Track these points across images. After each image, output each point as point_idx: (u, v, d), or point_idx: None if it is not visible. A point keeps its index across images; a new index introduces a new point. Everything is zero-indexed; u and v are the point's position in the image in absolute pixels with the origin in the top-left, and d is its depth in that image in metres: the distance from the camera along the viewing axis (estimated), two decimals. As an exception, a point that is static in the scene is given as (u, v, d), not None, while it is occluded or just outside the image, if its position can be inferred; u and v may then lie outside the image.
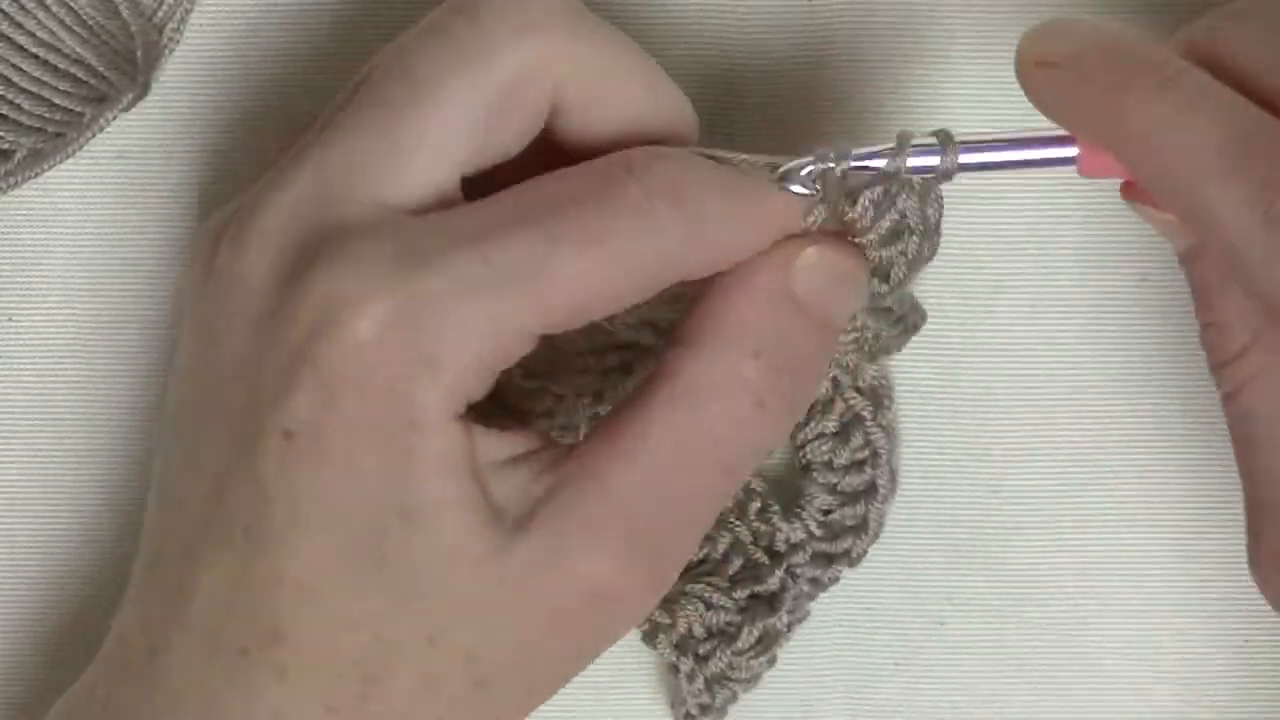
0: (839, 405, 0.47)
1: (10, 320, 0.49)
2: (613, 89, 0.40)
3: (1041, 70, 0.38)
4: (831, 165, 0.40)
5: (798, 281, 0.40)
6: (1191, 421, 0.48)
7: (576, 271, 0.37)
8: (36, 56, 0.47)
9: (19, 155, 0.48)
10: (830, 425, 0.47)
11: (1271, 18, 0.38)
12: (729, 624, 0.46)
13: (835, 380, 0.47)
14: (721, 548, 0.47)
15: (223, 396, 0.38)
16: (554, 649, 0.39)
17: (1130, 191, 0.40)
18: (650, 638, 0.47)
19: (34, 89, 0.47)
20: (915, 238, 0.41)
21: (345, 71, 0.48)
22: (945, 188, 0.41)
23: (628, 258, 0.38)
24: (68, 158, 0.48)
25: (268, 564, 0.37)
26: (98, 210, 0.49)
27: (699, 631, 0.46)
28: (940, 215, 0.41)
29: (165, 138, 0.49)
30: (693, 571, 0.47)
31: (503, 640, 0.38)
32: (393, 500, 0.37)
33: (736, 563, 0.47)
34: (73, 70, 0.47)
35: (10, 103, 0.47)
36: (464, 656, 0.38)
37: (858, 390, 0.47)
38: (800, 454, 0.47)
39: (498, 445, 0.38)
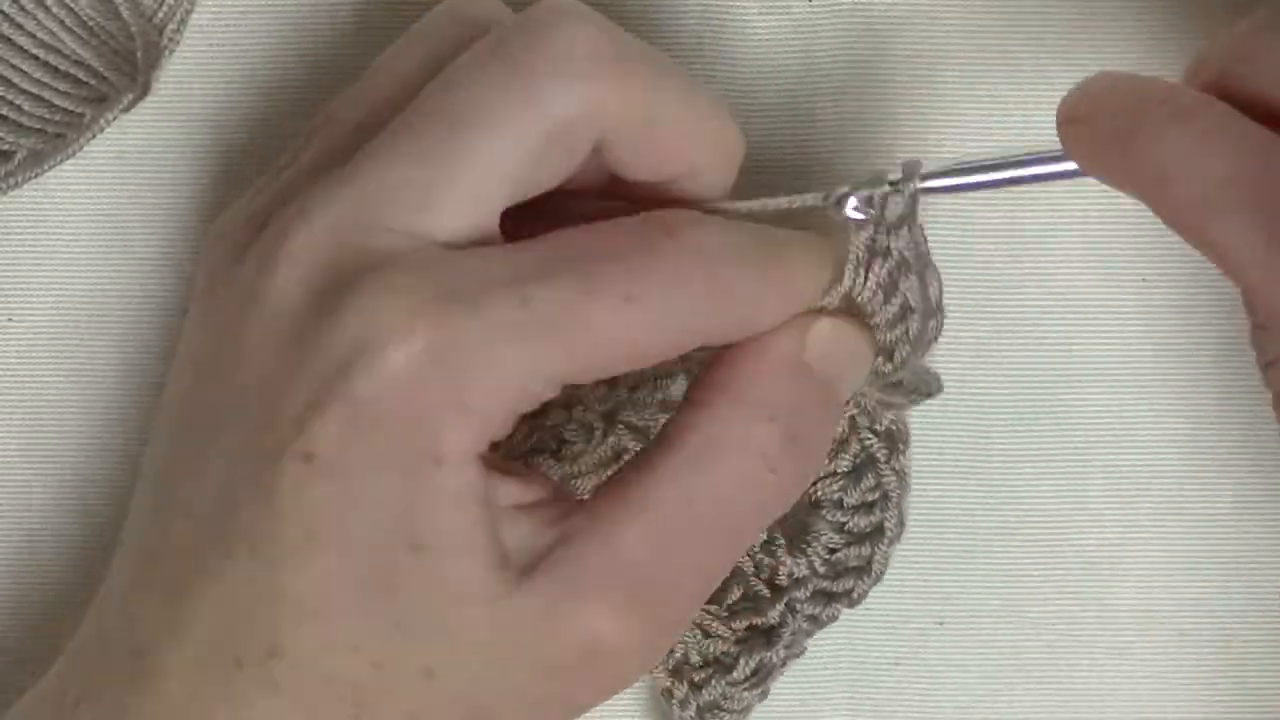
0: (854, 445, 0.47)
1: (10, 320, 0.49)
2: (658, 132, 0.40)
3: (1071, 127, 0.38)
4: (890, 188, 0.40)
5: (812, 349, 0.40)
6: (1192, 422, 0.48)
7: (610, 326, 0.38)
8: (36, 57, 0.47)
9: (19, 156, 0.48)
10: (844, 464, 0.47)
11: None
12: (725, 654, 0.46)
13: (853, 420, 0.47)
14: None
15: (240, 409, 0.38)
16: (547, 699, 0.39)
17: None
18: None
19: (34, 90, 0.47)
20: (916, 317, 0.41)
21: (345, 72, 0.48)
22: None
23: (660, 318, 0.38)
24: (68, 158, 0.48)
25: (272, 580, 0.37)
26: (98, 210, 0.49)
27: (695, 659, 0.47)
28: (941, 293, 0.41)
29: (165, 138, 0.49)
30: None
31: (497, 684, 0.38)
32: (406, 532, 0.37)
33: (737, 593, 0.47)
34: (73, 71, 0.47)
35: (10, 104, 0.47)
36: (458, 694, 0.38)
37: (874, 432, 0.47)
38: (811, 490, 0.47)
39: (512, 490, 0.38)
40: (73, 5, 0.47)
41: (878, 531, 0.47)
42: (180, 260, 0.48)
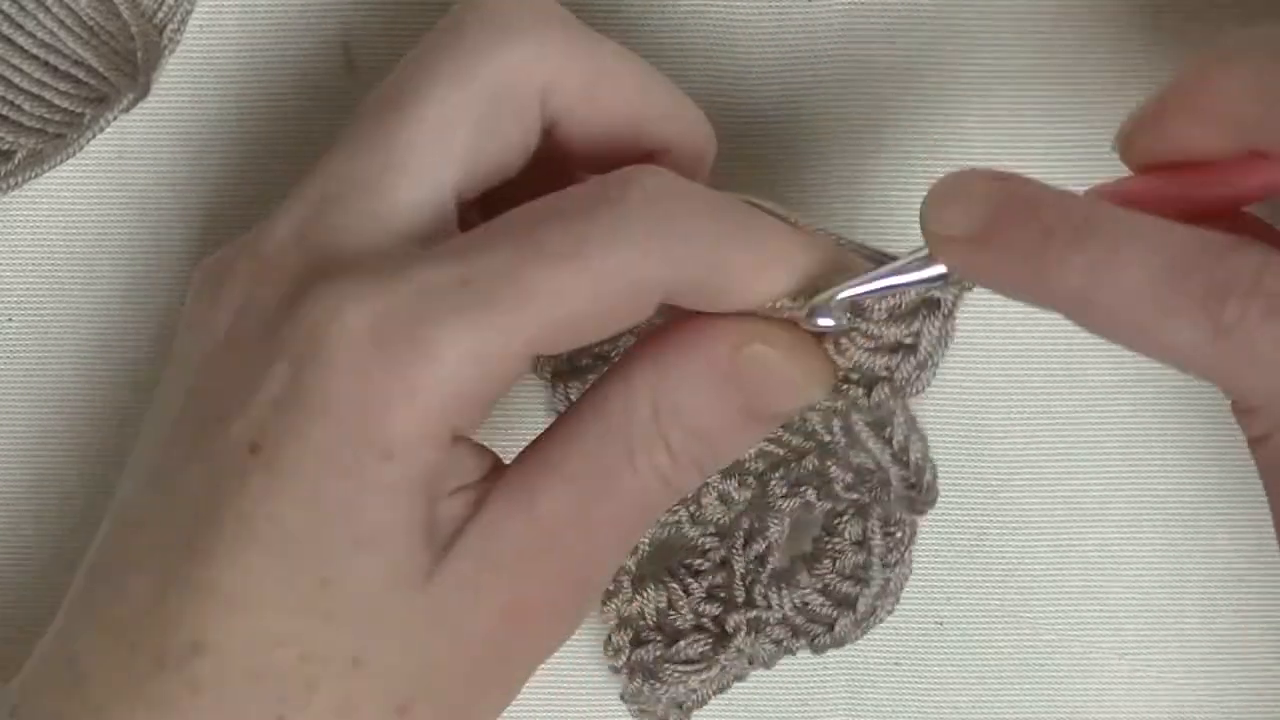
0: (859, 525, 0.47)
1: (10, 320, 0.49)
2: (605, 91, 0.40)
3: (953, 246, 0.37)
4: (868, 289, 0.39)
5: (749, 353, 0.39)
6: (1193, 421, 0.48)
7: (553, 286, 0.37)
8: (36, 57, 0.47)
9: (19, 156, 0.48)
10: (853, 533, 0.47)
11: (1261, 62, 0.37)
12: (677, 629, 0.46)
13: (870, 498, 0.47)
14: (718, 556, 0.47)
15: (198, 411, 0.38)
16: (477, 674, 0.39)
17: None
18: (608, 597, 0.46)
19: (34, 90, 0.47)
20: (912, 361, 0.41)
21: (345, 72, 0.48)
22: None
23: (604, 270, 0.37)
24: (68, 158, 0.48)
25: (203, 574, 0.37)
26: (98, 210, 0.49)
27: (649, 618, 0.46)
28: (944, 351, 0.41)
29: (165, 138, 0.49)
30: (681, 560, 0.47)
31: (426, 664, 0.38)
32: (349, 527, 0.37)
33: (718, 578, 0.47)
34: (73, 71, 0.47)
35: (11, 103, 0.47)
36: (387, 680, 0.38)
37: (881, 523, 0.47)
38: (816, 538, 0.47)
39: (460, 471, 0.38)
40: (73, 5, 0.47)
41: (850, 602, 0.47)
42: (179, 260, 0.48)
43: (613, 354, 0.45)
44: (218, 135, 0.49)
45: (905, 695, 0.48)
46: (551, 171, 0.41)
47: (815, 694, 0.48)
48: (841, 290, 0.39)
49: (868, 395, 0.41)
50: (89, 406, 0.49)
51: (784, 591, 0.47)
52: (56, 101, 0.48)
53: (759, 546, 0.47)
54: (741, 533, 0.47)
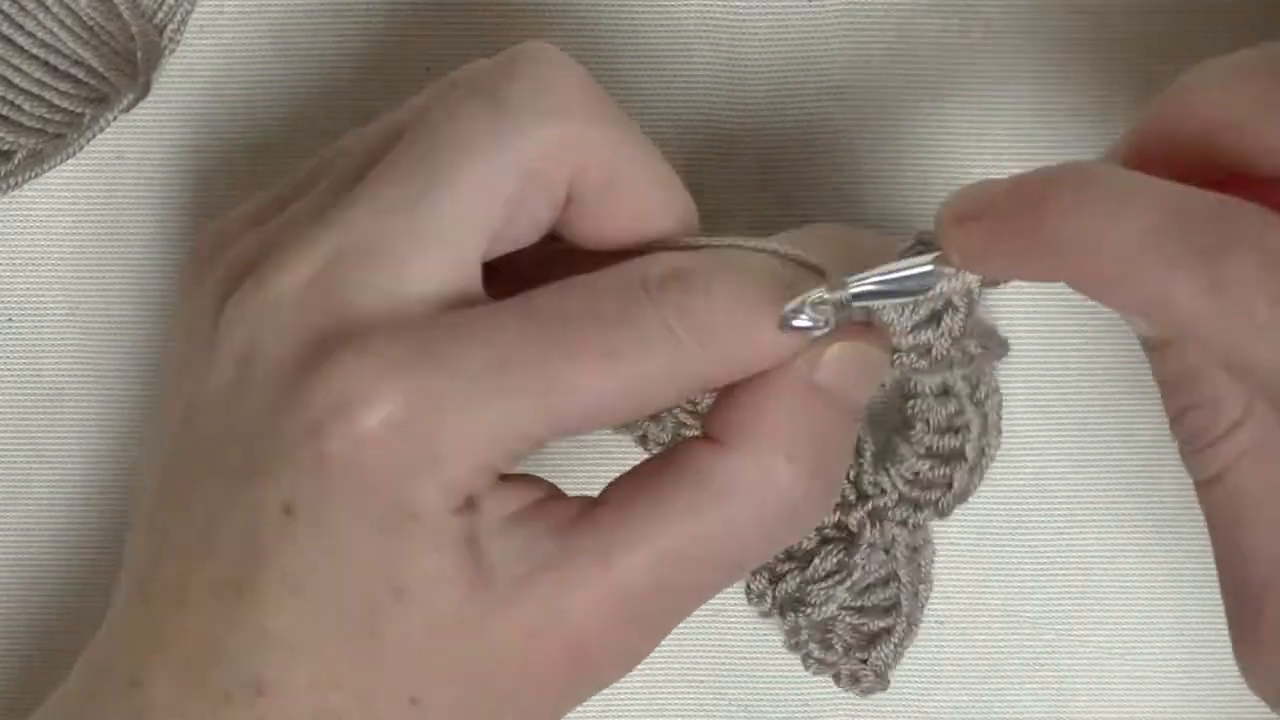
0: (938, 375, 0.46)
1: (10, 321, 0.49)
2: (626, 178, 0.40)
3: (959, 225, 0.37)
4: (837, 296, 0.39)
5: (822, 371, 0.39)
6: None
7: (589, 386, 0.38)
8: (36, 57, 0.47)
9: (19, 156, 0.48)
10: (933, 386, 0.46)
11: (1242, 80, 0.37)
12: (808, 551, 0.47)
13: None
14: None
15: (222, 457, 0.38)
16: (532, 708, 0.39)
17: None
18: None
19: (34, 90, 0.47)
20: (958, 317, 0.40)
21: (345, 73, 0.48)
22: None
23: (642, 375, 0.38)
24: (68, 158, 0.48)
25: (256, 621, 0.37)
26: (98, 210, 0.49)
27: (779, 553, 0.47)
28: (980, 290, 0.40)
29: (165, 138, 0.49)
30: None
31: (483, 700, 0.38)
32: (385, 580, 0.37)
33: None
34: (73, 71, 0.47)
35: (10, 104, 0.47)
36: (447, 715, 0.38)
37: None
38: (902, 407, 0.47)
39: (505, 498, 0.38)
40: (73, 5, 0.47)
41: (958, 455, 0.47)
42: (179, 260, 0.48)
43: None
44: (218, 135, 0.49)
45: (905, 695, 0.48)
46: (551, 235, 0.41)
47: (816, 694, 0.48)
48: (843, 290, 0.39)
49: (926, 355, 0.41)
50: (89, 406, 0.49)
51: (891, 470, 0.47)
52: (56, 101, 0.48)
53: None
54: None
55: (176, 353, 0.41)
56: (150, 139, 0.48)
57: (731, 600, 0.48)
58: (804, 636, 0.47)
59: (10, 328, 0.49)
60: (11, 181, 0.48)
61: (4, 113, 0.47)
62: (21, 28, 0.47)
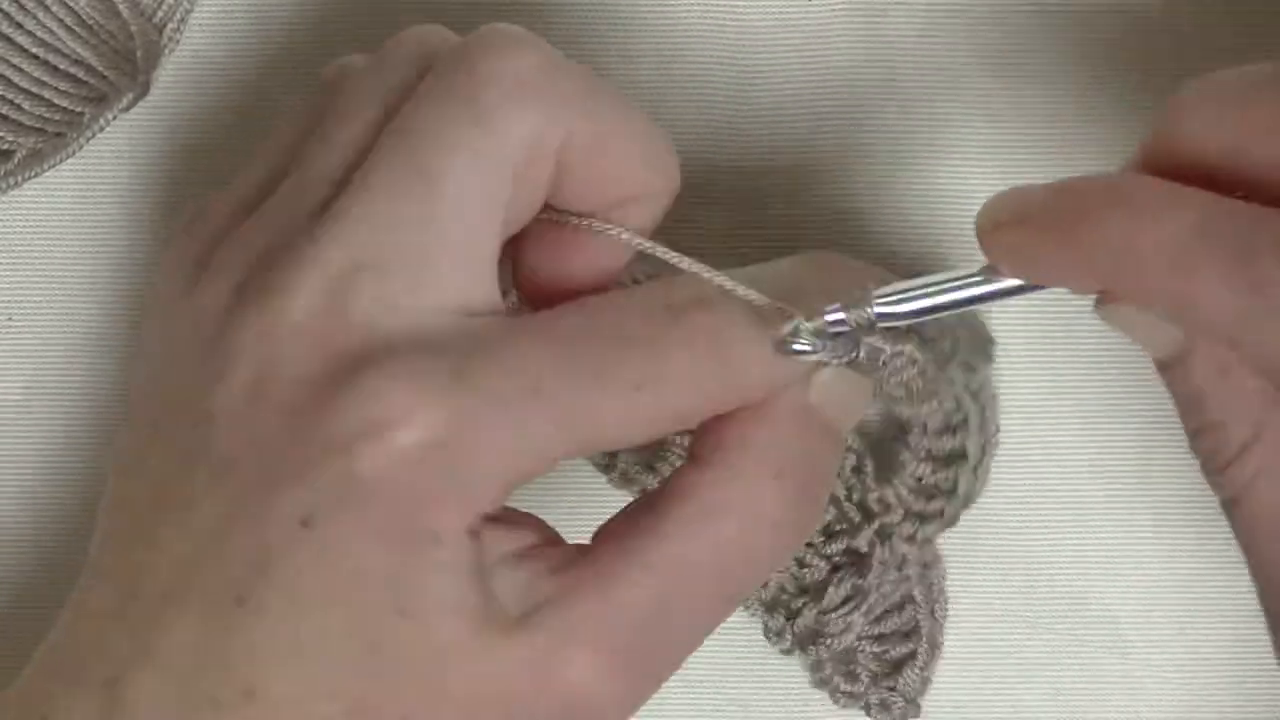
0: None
1: (10, 320, 0.49)
2: (608, 142, 0.40)
3: (999, 231, 0.38)
4: (856, 315, 0.39)
5: (814, 394, 0.40)
6: (1191, 421, 0.48)
7: (618, 414, 0.38)
8: (36, 57, 0.47)
9: (19, 155, 0.48)
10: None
11: (1221, 99, 0.37)
12: (818, 582, 0.47)
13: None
14: None
15: (233, 464, 0.38)
16: None
17: (1103, 305, 0.39)
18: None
19: (34, 89, 0.47)
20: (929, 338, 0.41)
21: (345, 71, 0.48)
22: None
23: (668, 402, 0.38)
24: (68, 158, 0.48)
25: (255, 631, 0.37)
26: (98, 210, 0.49)
27: (790, 589, 0.47)
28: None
29: (165, 138, 0.49)
30: None
31: None
32: (393, 598, 0.37)
33: (830, 514, 0.47)
34: (73, 70, 0.47)
35: (10, 103, 0.47)
36: None
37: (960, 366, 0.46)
38: (897, 414, 0.47)
39: (505, 538, 0.38)
40: (73, 5, 0.47)
41: (959, 454, 0.47)
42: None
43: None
44: (218, 135, 0.49)
45: (905, 695, 0.49)
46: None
47: (816, 694, 0.48)
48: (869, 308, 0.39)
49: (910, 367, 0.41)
50: (89, 406, 0.49)
51: (894, 483, 0.47)
52: (56, 101, 0.48)
53: (850, 462, 0.47)
54: None
55: (160, 359, 0.41)
56: (150, 139, 0.49)
57: (732, 600, 0.48)
58: (828, 671, 0.47)
59: (10, 327, 0.49)
60: (11, 181, 0.48)
61: (4, 112, 0.47)
62: (21, 27, 0.47)
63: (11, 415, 0.49)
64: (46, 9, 0.47)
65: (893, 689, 0.47)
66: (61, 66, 0.47)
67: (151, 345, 0.41)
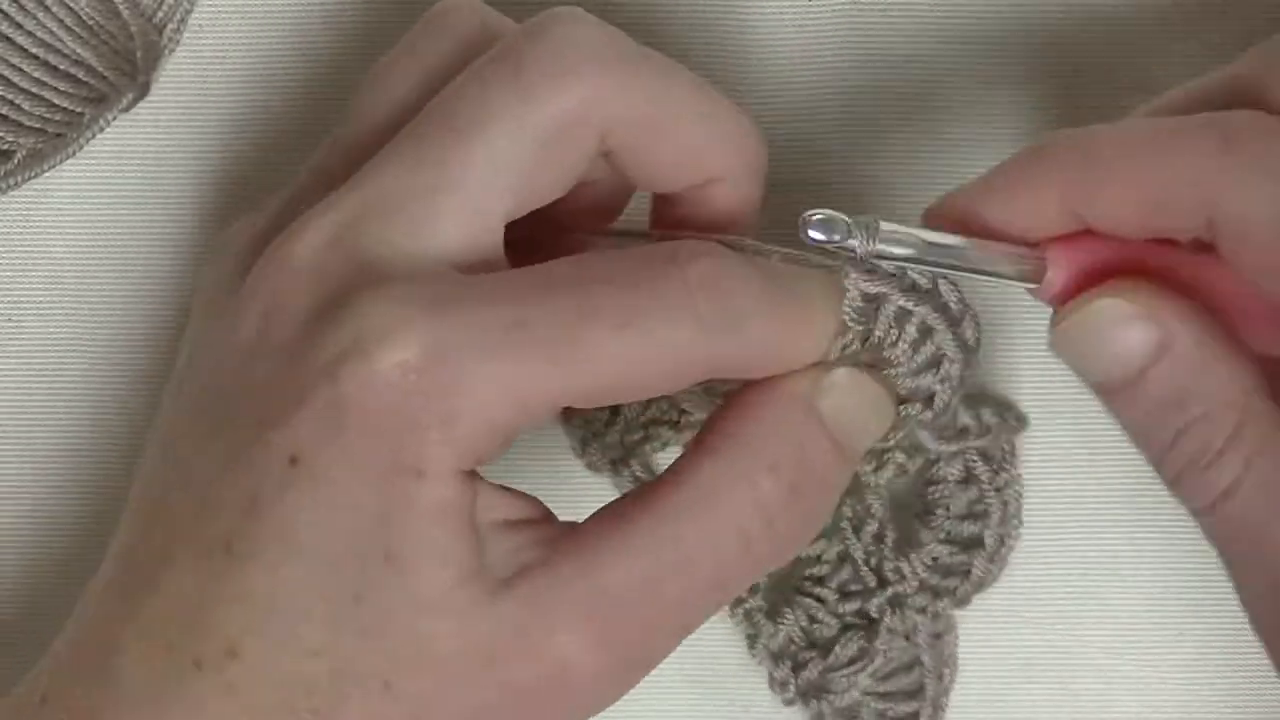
0: (960, 461, 0.47)
1: (10, 320, 0.49)
2: (666, 125, 0.40)
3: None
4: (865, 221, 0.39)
5: (824, 399, 0.39)
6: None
7: (606, 350, 0.37)
8: (36, 57, 0.47)
9: (19, 155, 0.48)
10: (954, 473, 0.47)
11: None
12: (830, 639, 0.47)
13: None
14: (834, 553, 0.47)
15: (233, 416, 0.38)
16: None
17: (1060, 330, 0.40)
18: (752, 641, 0.47)
19: (34, 89, 0.47)
20: (955, 365, 0.41)
21: (345, 70, 0.48)
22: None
23: (659, 344, 0.38)
24: (68, 158, 0.48)
25: (241, 580, 0.37)
26: (98, 210, 0.49)
27: (799, 640, 0.47)
28: (979, 336, 0.41)
29: (165, 138, 0.49)
30: (802, 574, 0.47)
31: (455, 699, 0.38)
32: (381, 541, 0.37)
33: (845, 573, 0.47)
34: (73, 71, 0.47)
35: (10, 103, 0.47)
36: (414, 708, 0.38)
37: (979, 452, 0.47)
38: (924, 493, 0.47)
39: (500, 504, 0.38)
40: (73, 5, 0.47)
41: (977, 541, 0.47)
42: (179, 260, 0.48)
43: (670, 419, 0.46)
44: (218, 135, 0.49)
45: (905, 695, 0.49)
46: (599, 183, 0.41)
47: (815, 694, 0.48)
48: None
49: (930, 407, 0.41)
50: (89, 405, 0.49)
51: (911, 558, 0.47)
52: (56, 101, 0.48)
53: (871, 528, 0.47)
54: (847, 522, 0.47)
55: (192, 331, 0.41)
56: (150, 139, 0.49)
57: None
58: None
59: (10, 327, 0.49)
60: (11, 181, 0.48)
61: (4, 112, 0.47)
62: (21, 27, 0.47)
63: (11, 415, 0.49)
64: (46, 9, 0.47)
65: None
66: (61, 67, 0.48)
67: (195, 321, 0.42)
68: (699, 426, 0.41)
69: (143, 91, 0.48)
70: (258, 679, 0.37)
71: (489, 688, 0.38)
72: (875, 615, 0.47)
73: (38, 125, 0.48)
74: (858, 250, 0.39)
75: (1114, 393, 0.40)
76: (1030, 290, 0.40)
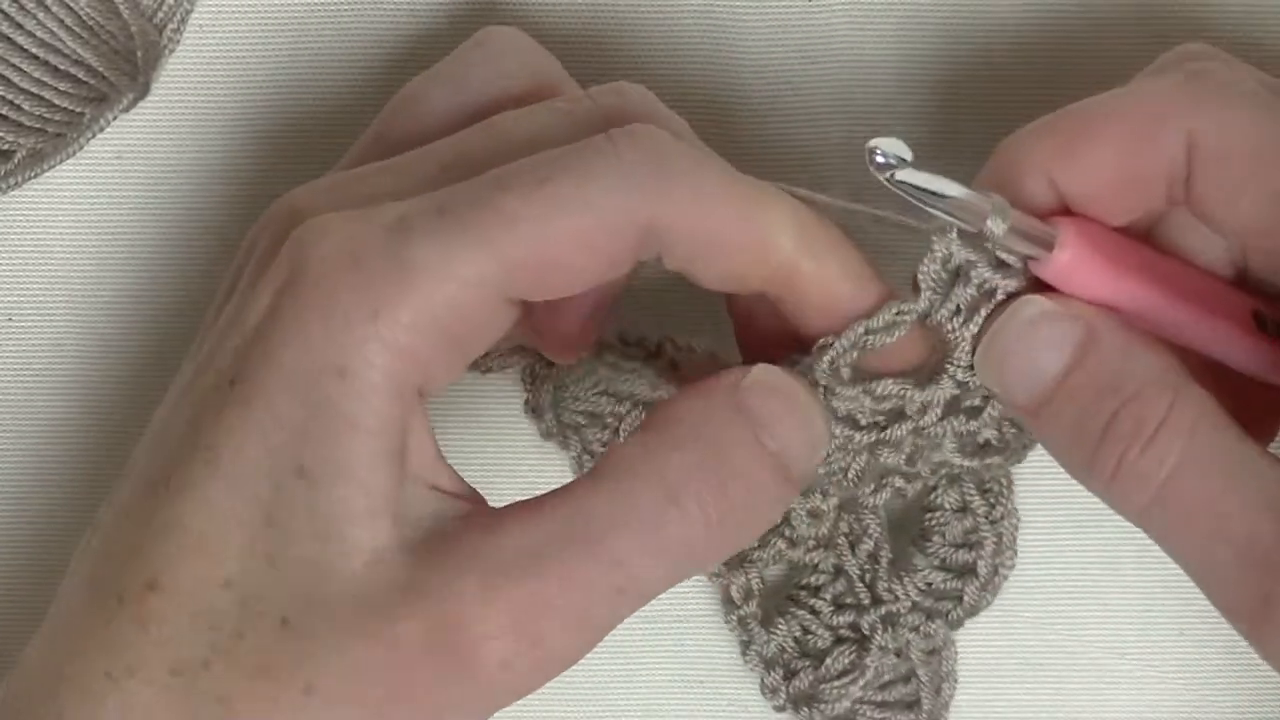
0: (956, 491, 0.47)
1: (10, 320, 0.49)
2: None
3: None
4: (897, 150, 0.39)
5: (748, 396, 0.39)
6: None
7: (527, 211, 0.37)
8: (36, 57, 0.47)
9: (19, 155, 0.48)
10: (951, 501, 0.47)
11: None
12: (822, 650, 0.47)
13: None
14: (830, 564, 0.47)
15: (196, 354, 0.39)
16: (389, 686, 0.37)
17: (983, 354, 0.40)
18: (745, 647, 0.47)
19: (34, 89, 0.47)
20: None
21: (345, 70, 0.48)
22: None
23: (584, 195, 0.37)
24: (68, 158, 0.48)
25: (171, 511, 0.37)
26: (98, 210, 0.49)
27: (792, 649, 0.47)
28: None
29: (165, 138, 0.49)
30: (798, 583, 0.48)
31: (345, 650, 0.36)
32: (295, 454, 0.36)
33: (840, 586, 0.47)
34: (73, 70, 0.48)
35: (10, 103, 0.47)
36: (305, 651, 0.36)
37: (976, 486, 0.47)
38: (921, 519, 0.48)
39: (438, 471, 0.38)
40: (73, 5, 0.47)
41: (970, 570, 0.47)
42: (179, 259, 0.48)
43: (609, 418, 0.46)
44: (218, 135, 0.49)
45: (905, 695, 0.49)
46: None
47: (815, 694, 0.49)
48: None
49: (976, 417, 0.42)
50: (89, 405, 0.49)
51: (905, 579, 0.47)
52: (56, 101, 0.48)
53: (867, 546, 0.47)
54: (844, 538, 0.47)
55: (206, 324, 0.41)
56: (150, 139, 0.49)
57: (731, 600, 0.48)
58: None
59: (10, 327, 0.49)
60: (11, 181, 0.48)
61: (4, 112, 0.47)
62: (21, 27, 0.47)
63: (11, 415, 0.49)
64: (46, 9, 0.47)
65: None
66: (61, 67, 0.48)
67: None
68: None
69: (143, 91, 0.48)
70: (171, 613, 0.36)
71: (379, 644, 0.36)
72: (867, 632, 0.47)
73: (38, 125, 0.48)
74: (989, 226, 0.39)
75: (1044, 399, 0.39)
76: (1034, 263, 0.40)
